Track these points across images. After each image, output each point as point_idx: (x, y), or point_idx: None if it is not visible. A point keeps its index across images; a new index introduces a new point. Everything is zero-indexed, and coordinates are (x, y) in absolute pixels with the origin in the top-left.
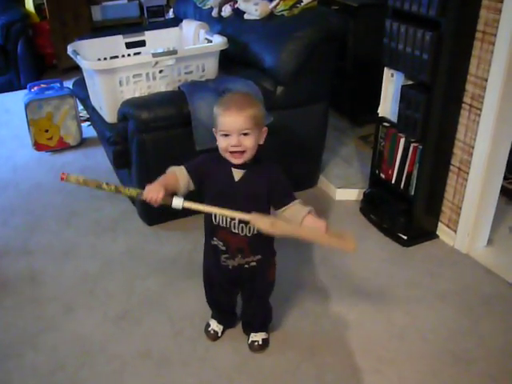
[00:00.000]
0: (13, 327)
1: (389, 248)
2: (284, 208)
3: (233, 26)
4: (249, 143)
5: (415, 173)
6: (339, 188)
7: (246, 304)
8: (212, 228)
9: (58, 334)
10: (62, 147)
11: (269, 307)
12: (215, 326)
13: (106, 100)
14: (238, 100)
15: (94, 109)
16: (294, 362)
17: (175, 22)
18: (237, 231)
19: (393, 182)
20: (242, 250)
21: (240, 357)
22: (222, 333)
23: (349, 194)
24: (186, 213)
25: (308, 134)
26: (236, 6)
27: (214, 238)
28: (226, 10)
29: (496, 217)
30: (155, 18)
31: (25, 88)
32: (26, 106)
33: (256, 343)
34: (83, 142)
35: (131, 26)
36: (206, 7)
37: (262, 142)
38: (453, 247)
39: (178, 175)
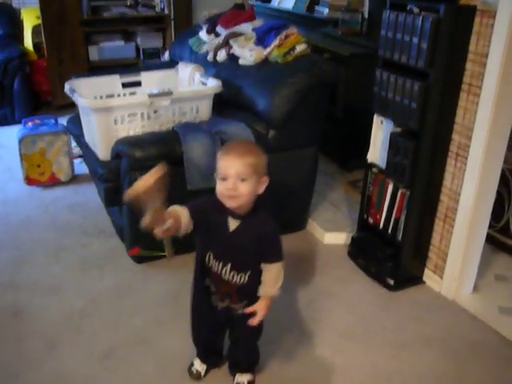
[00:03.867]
0: None
1: (376, 292)
2: (262, 266)
3: (227, 70)
4: (244, 189)
5: (403, 218)
6: (328, 232)
7: (233, 345)
8: (204, 269)
9: (39, 371)
10: (54, 182)
11: (256, 350)
12: (198, 365)
13: (101, 137)
14: (240, 147)
15: (87, 146)
16: None
17: (171, 64)
18: (227, 278)
19: (381, 226)
20: (230, 295)
21: None
22: (206, 373)
23: (337, 238)
24: (174, 251)
25: (298, 178)
26: (231, 52)
27: (207, 279)
28: (221, 55)
29: (482, 264)
30: (151, 60)
31: (19, 123)
32: (20, 140)
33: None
34: (74, 179)
35: (127, 67)
36: (202, 51)
37: (260, 192)
38: (439, 293)
39: (181, 216)
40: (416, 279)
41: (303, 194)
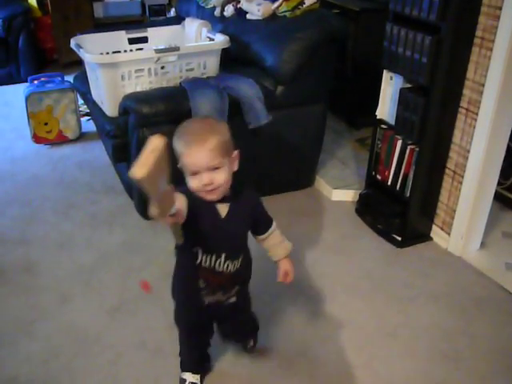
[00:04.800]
0: (7, 315)
1: (383, 249)
2: (265, 236)
3: (235, 25)
4: (221, 178)
5: (411, 175)
6: (335, 189)
7: (227, 335)
8: (193, 266)
9: (52, 323)
10: (61, 140)
11: (255, 320)
12: (192, 378)
13: (108, 94)
14: (197, 130)
15: (94, 103)
16: (287, 358)
17: (177, 20)
18: (221, 270)
19: (389, 183)
20: (222, 286)
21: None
22: (202, 381)
23: (345, 195)
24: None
25: (306, 134)
26: (238, 6)
27: (194, 277)
28: (229, 10)
29: (489, 221)
30: (157, 17)
31: (24, 81)
32: (27, 98)
33: (251, 344)
34: (82, 136)
35: (133, 24)
36: (209, 6)
37: (236, 169)
38: (446, 249)
39: (181, 200)
40: (423, 236)
41: (311, 151)
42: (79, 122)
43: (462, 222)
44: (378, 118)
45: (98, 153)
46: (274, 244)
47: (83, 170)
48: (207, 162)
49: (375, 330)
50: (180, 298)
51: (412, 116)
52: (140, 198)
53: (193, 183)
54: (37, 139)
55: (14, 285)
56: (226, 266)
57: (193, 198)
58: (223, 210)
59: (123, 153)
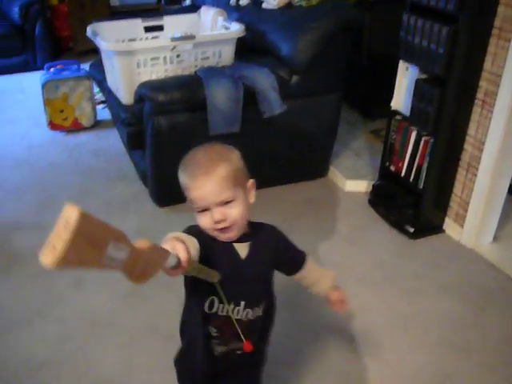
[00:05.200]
0: (24, 298)
1: (395, 240)
2: (303, 272)
3: (250, 14)
4: (236, 213)
5: (425, 166)
6: (349, 179)
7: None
8: (204, 316)
9: (67, 307)
10: (76, 128)
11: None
12: None
13: (123, 81)
14: (203, 160)
15: (110, 91)
16: (298, 343)
17: (193, 8)
18: (238, 318)
19: (402, 174)
20: (238, 335)
21: None
22: None
23: (358, 186)
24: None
25: (320, 124)
26: None
27: (206, 327)
28: None
29: (503, 215)
30: (172, 5)
31: (41, 69)
32: (43, 85)
33: None
34: (97, 124)
35: (148, 12)
36: None
37: (253, 200)
38: (459, 242)
39: (188, 243)
40: (436, 228)
41: (325, 141)
42: (94, 109)
43: (476, 215)
44: (392, 108)
45: (112, 141)
46: (317, 279)
47: (98, 158)
48: (217, 195)
49: (386, 320)
50: (188, 345)
51: (427, 107)
52: (154, 186)
53: (203, 221)
54: (53, 126)
55: (30, 269)
56: (245, 314)
57: (205, 239)
58: (242, 250)
59: (138, 140)
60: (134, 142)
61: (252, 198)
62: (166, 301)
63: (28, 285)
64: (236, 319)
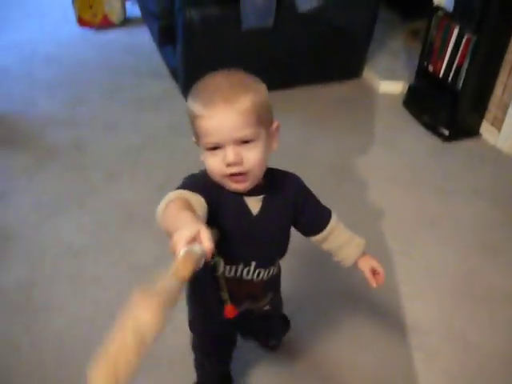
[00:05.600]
0: (59, 189)
1: (429, 142)
2: (324, 234)
3: None
4: (254, 157)
5: (465, 66)
6: (384, 80)
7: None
8: (211, 277)
9: (102, 198)
10: (106, 25)
11: (286, 318)
12: None
13: None
14: (223, 86)
15: None
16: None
17: None
18: (250, 278)
19: (440, 75)
20: (252, 296)
21: None
22: None
23: (393, 87)
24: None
25: (357, 22)
26: None
27: (213, 289)
28: None
29: None
30: None
31: None
32: None
33: (273, 343)
34: (127, 21)
35: None
36: None
37: (275, 148)
38: (494, 146)
39: (193, 202)
40: (472, 131)
41: (361, 40)
42: (124, 5)
43: None
44: (434, 5)
45: (142, 37)
46: (341, 244)
47: (128, 55)
48: (236, 129)
49: (415, 218)
50: (196, 311)
51: (472, 2)
52: (185, 82)
53: (212, 162)
54: (82, 22)
55: (65, 162)
56: (256, 274)
57: (211, 190)
58: (254, 205)
59: (169, 35)
60: (164, 37)
61: (275, 144)
62: None
63: (63, 177)
64: (246, 280)
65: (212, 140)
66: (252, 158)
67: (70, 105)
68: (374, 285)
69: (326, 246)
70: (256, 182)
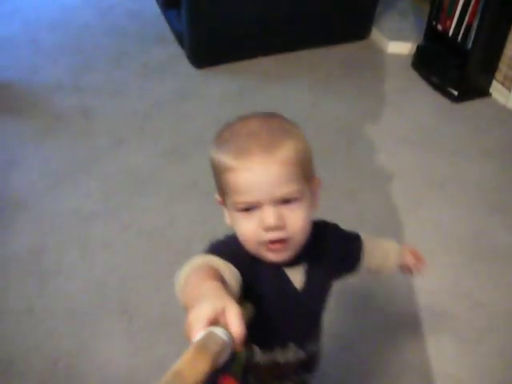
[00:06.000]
0: (67, 155)
1: (437, 103)
2: (360, 262)
3: None
4: (299, 219)
5: (475, 24)
6: (392, 41)
7: None
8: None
9: (109, 164)
10: None
11: None
12: None
13: None
14: (260, 131)
15: None
16: (339, 202)
17: None
18: (284, 361)
19: (450, 34)
20: (281, 375)
21: None
22: None
23: (401, 48)
24: (234, 57)
25: None
26: None
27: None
28: None
29: None
30: None
31: None
32: None
33: None
34: None
35: None
36: None
37: (317, 209)
38: (505, 106)
39: (223, 270)
40: (481, 91)
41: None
42: None
43: None
44: None
45: (147, 2)
46: (380, 262)
47: (133, 20)
48: (277, 183)
49: (424, 180)
50: None
51: None
52: (191, 47)
53: (245, 227)
54: None
55: (72, 128)
56: (293, 354)
57: (244, 261)
58: (297, 276)
59: None
60: (169, 1)
61: (316, 201)
62: (205, 159)
63: (71, 144)
64: (278, 362)
65: (246, 199)
66: (296, 220)
67: (76, 71)
68: (418, 271)
69: (364, 272)
70: (297, 251)
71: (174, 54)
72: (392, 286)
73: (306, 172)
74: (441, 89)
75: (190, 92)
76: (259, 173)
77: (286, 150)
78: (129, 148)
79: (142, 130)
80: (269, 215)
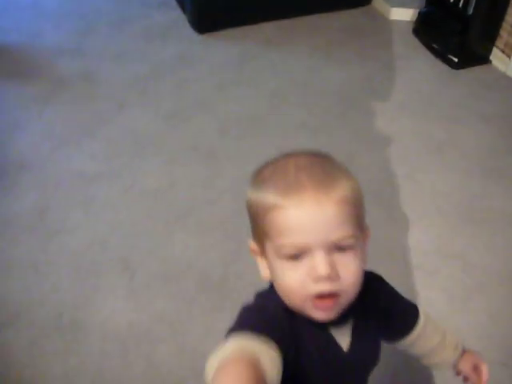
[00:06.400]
0: (70, 119)
1: (437, 69)
2: (414, 335)
3: None
4: (353, 270)
5: None
6: (394, 7)
7: None
8: None
9: (112, 127)
10: None
11: None
12: None
13: None
14: (312, 166)
15: None
16: None
17: None
18: None
19: (451, 0)
20: None
21: None
22: None
23: (403, 14)
24: (235, 23)
25: None
26: None
27: None
28: None
29: None
30: None
31: None
32: None
33: None
34: None
35: None
36: None
37: (366, 260)
38: (504, 73)
39: (263, 358)
40: (482, 58)
41: None
42: None
43: None
44: None
45: None
46: (434, 347)
47: None
48: (333, 226)
49: (421, 145)
50: None
51: None
52: (193, 12)
53: (291, 277)
54: None
55: (74, 92)
56: None
57: (285, 324)
58: (343, 337)
59: None
60: None
61: (366, 256)
62: (206, 123)
63: (73, 107)
64: None
65: (295, 240)
66: (350, 272)
67: (78, 35)
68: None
69: (415, 351)
70: (344, 308)
71: (176, 18)
72: (385, 244)
73: (359, 217)
74: (441, 55)
75: (192, 57)
76: (312, 211)
77: (343, 188)
78: (131, 111)
79: (144, 94)
80: (321, 262)
